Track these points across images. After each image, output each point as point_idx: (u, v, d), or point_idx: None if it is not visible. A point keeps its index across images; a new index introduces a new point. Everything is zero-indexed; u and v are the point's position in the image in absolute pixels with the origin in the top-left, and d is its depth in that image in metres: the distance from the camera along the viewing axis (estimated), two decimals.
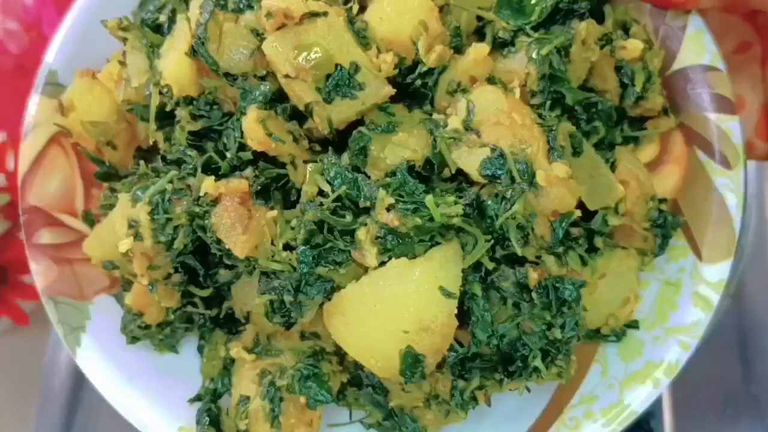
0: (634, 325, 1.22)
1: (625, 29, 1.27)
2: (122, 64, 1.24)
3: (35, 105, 1.34)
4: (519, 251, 1.04)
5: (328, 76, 1.07)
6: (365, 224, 1.04)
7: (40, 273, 1.27)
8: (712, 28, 1.27)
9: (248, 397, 1.15)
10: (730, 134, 1.24)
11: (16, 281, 1.62)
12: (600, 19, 1.23)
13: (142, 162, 1.20)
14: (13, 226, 1.58)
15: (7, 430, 1.66)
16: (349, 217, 1.05)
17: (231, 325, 1.25)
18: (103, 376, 1.23)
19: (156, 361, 1.27)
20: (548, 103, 1.13)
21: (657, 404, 1.42)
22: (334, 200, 1.05)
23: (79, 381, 1.24)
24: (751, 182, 1.42)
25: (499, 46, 1.17)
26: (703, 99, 1.26)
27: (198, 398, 1.24)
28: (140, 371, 1.26)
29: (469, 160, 1.06)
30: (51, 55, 1.36)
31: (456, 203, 1.03)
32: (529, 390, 1.14)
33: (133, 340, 1.24)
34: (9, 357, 1.70)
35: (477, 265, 1.06)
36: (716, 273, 1.21)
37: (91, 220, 1.33)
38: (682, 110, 1.28)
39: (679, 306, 1.21)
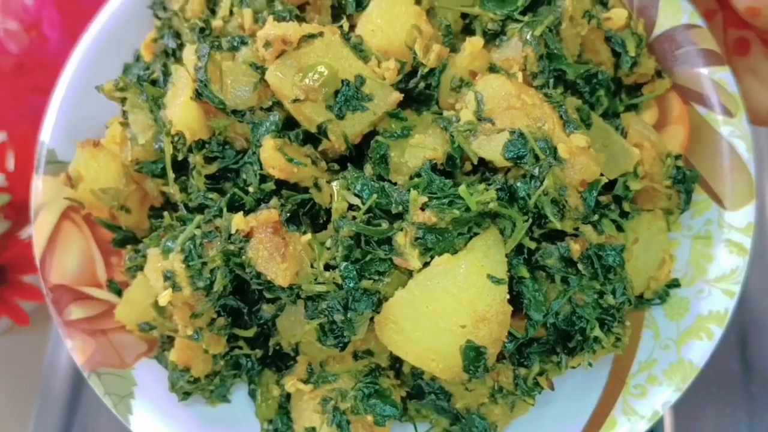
0: (675, 284, 1.23)
1: (603, 3, 1.30)
2: (123, 125, 1.24)
3: (39, 186, 1.33)
4: (558, 225, 1.04)
5: (336, 92, 1.08)
6: (402, 228, 1.04)
7: (77, 349, 1.25)
8: None
9: (314, 428, 1.13)
10: (725, 84, 1.27)
11: (16, 281, 1.60)
12: None
13: (166, 213, 1.19)
14: (13, 226, 1.56)
15: (7, 430, 1.62)
16: (384, 225, 1.05)
17: (279, 362, 1.23)
18: None
19: (210, 413, 1.25)
20: (551, 81, 1.15)
21: None
22: (366, 211, 1.05)
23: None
24: None
25: (491, 38, 1.19)
26: (691, 56, 1.29)
27: None
28: (196, 427, 1.23)
29: (490, 147, 1.06)
30: (46, 135, 1.36)
31: (487, 190, 1.03)
32: (590, 364, 1.13)
33: (185, 396, 1.22)
34: (9, 357, 1.68)
35: (519, 248, 1.06)
36: (743, 217, 1.22)
37: (116, 288, 1.32)
38: (672, 72, 1.30)
39: (714, 257, 1.22)
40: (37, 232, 1.30)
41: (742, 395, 1.51)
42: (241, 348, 1.19)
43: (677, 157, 1.23)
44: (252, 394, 1.26)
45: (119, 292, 1.31)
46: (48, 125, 1.36)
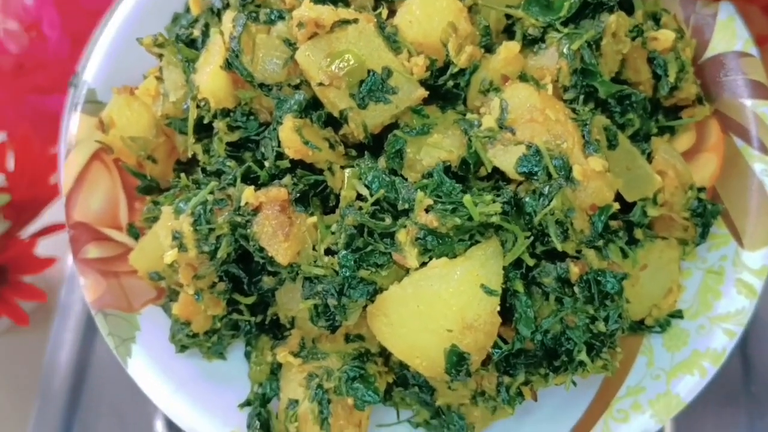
0: (677, 314, 1.22)
1: (656, 20, 1.27)
2: (159, 79, 1.26)
3: (76, 123, 1.37)
4: (559, 246, 1.04)
5: (361, 81, 1.08)
6: (405, 226, 1.05)
7: (88, 287, 1.30)
8: None
9: (297, 401, 1.17)
10: (767, 120, 1.24)
11: (16, 281, 1.61)
12: (629, 10, 1.23)
13: (183, 175, 1.22)
14: (13, 226, 1.57)
15: (7, 430, 1.65)
16: (388, 220, 1.07)
17: (276, 330, 1.27)
18: (154, 384, 1.26)
19: (205, 368, 1.30)
20: (581, 97, 1.14)
21: None
22: (373, 204, 1.07)
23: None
24: None
25: (530, 43, 1.18)
26: (737, 85, 1.26)
27: (248, 403, 1.26)
28: (190, 378, 1.28)
29: (505, 158, 1.06)
30: (90, 74, 1.39)
31: (494, 202, 1.03)
32: (575, 384, 1.13)
33: (182, 348, 1.27)
34: (9, 357, 1.70)
35: (518, 262, 1.07)
36: (759, 259, 1.20)
37: (135, 233, 1.36)
38: (716, 98, 1.28)
39: (722, 294, 1.21)
40: (67, 169, 1.34)
41: (742, 395, 1.51)
42: (240, 312, 1.22)
43: (700, 189, 1.21)
44: (247, 356, 1.30)
45: (137, 237, 1.35)
46: (92, 64, 1.39)
